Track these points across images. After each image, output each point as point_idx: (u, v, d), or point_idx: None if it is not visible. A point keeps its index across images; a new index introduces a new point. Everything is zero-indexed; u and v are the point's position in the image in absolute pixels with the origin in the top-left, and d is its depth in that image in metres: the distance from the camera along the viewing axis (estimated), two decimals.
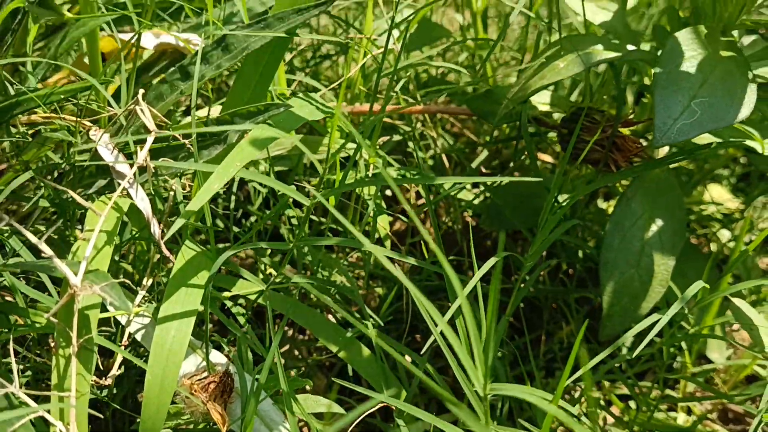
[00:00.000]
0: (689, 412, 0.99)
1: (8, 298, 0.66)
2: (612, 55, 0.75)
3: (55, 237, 0.76)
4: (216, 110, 0.83)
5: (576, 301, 1.04)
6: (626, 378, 0.92)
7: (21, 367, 0.64)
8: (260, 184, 0.87)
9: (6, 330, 0.58)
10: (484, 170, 1.01)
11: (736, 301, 0.85)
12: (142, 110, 0.59)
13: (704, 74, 0.61)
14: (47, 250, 0.51)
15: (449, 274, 0.48)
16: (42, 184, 0.71)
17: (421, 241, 0.95)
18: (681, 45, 0.63)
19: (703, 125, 0.60)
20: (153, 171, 0.62)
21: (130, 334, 0.67)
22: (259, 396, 0.62)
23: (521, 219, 0.96)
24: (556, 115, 0.90)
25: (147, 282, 0.70)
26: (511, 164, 0.99)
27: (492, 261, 0.61)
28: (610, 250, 0.79)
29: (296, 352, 0.92)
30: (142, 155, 0.57)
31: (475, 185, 0.96)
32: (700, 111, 0.60)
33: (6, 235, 0.62)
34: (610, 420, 0.95)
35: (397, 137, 0.87)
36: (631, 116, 0.83)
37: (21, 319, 0.60)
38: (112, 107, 0.65)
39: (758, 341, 0.82)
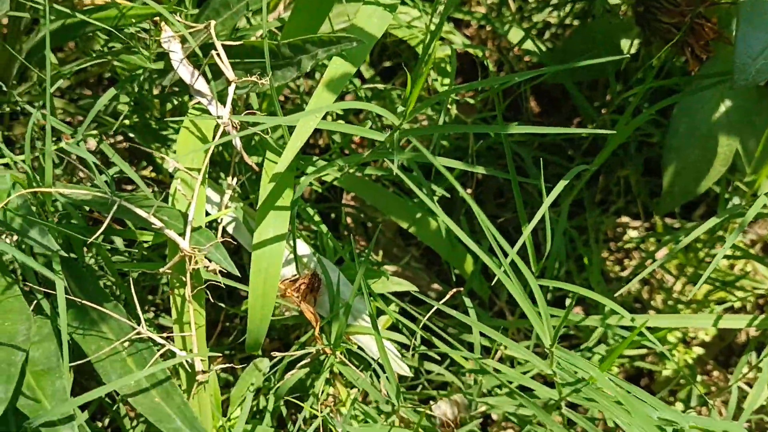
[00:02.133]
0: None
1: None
2: None
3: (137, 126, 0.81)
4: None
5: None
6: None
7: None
8: None
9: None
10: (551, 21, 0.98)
11: None
12: (218, 55, 0.60)
13: None
14: (156, 222, 0.56)
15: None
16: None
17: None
18: None
19: None
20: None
21: (223, 229, 0.75)
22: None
23: (585, 71, 0.96)
24: None
25: (232, 181, 0.76)
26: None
27: (556, 192, 0.64)
28: (675, 136, 0.80)
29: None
30: (226, 110, 0.60)
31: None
32: None
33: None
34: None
35: None
36: None
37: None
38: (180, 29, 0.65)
39: None
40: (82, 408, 0.64)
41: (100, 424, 0.81)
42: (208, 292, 0.64)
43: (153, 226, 0.56)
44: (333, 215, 1.01)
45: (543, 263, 0.70)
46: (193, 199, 0.59)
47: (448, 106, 0.85)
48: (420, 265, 1.03)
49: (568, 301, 0.83)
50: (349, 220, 1.03)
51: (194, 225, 0.59)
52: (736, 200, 0.98)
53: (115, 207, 0.55)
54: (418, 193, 0.59)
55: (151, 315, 0.85)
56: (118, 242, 0.82)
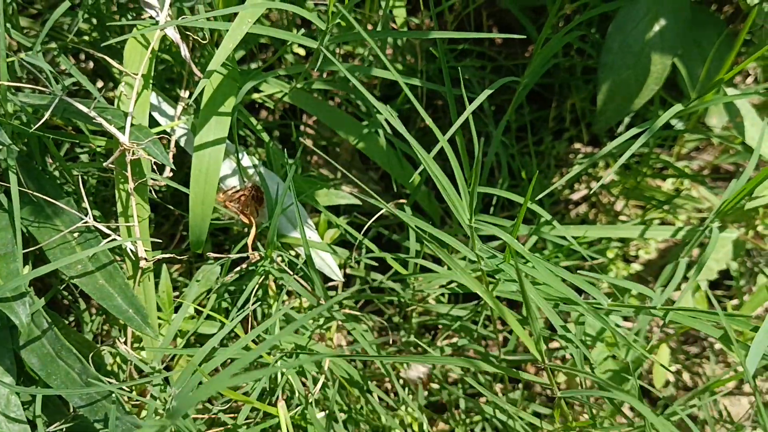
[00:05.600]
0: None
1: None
2: None
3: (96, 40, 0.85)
4: None
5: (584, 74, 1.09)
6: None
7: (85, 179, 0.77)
8: None
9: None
10: None
11: (729, 90, 0.91)
12: None
13: None
14: (96, 116, 0.61)
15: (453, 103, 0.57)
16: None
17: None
18: None
19: None
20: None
21: (176, 141, 0.79)
22: (284, 198, 0.75)
23: None
24: None
25: (184, 94, 0.80)
26: None
27: (485, 94, 0.68)
28: (609, 53, 0.83)
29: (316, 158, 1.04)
30: (163, 14, 0.64)
31: None
32: None
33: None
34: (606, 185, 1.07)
35: None
36: None
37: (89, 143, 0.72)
38: None
39: (740, 131, 0.89)
40: (39, 295, 0.69)
41: (65, 322, 0.87)
42: (152, 190, 0.69)
43: (94, 120, 0.60)
44: (292, 138, 1.05)
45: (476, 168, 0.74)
46: (132, 97, 0.63)
47: (394, 26, 0.88)
48: (378, 188, 1.08)
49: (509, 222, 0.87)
50: (309, 142, 1.07)
51: (134, 123, 0.64)
52: (679, 125, 1.01)
53: (57, 100, 0.59)
54: (359, 87, 0.63)
55: (112, 225, 0.91)
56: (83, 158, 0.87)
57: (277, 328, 0.69)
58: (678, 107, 0.75)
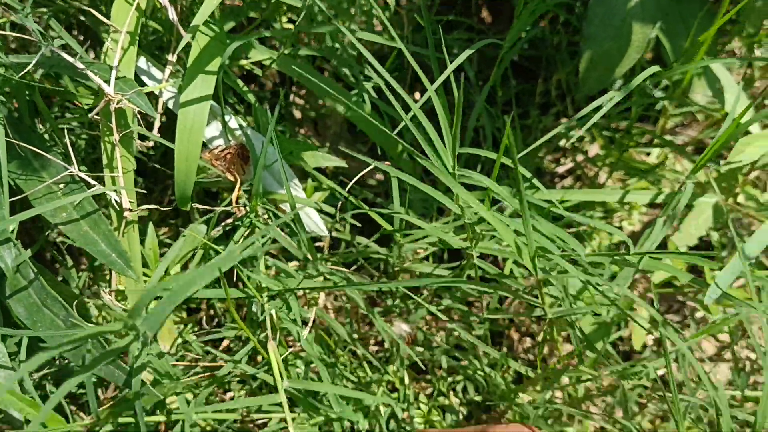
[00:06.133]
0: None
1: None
2: None
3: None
4: None
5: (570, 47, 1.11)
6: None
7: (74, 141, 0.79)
8: None
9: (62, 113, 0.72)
10: None
11: (713, 66, 0.92)
12: None
13: None
14: (80, 65, 0.62)
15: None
16: None
17: None
18: None
19: None
20: None
21: (164, 104, 0.81)
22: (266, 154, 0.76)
23: None
24: None
25: (172, 57, 0.81)
26: None
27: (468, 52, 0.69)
28: (591, 25, 0.85)
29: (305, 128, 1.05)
30: None
31: None
32: None
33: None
34: (592, 152, 1.09)
35: None
36: None
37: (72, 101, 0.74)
38: None
39: (721, 101, 0.91)
40: (27, 247, 0.71)
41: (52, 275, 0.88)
42: (142, 153, 0.71)
43: (80, 71, 0.62)
44: (282, 110, 1.07)
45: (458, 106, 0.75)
46: (117, 49, 0.65)
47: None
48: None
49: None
50: (298, 114, 1.09)
51: (120, 75, 0.65)
52: (658, 93, 1.03)
53: (43, 49, 0.61)
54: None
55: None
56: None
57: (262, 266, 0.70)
58: (655, 68, 0.76)
